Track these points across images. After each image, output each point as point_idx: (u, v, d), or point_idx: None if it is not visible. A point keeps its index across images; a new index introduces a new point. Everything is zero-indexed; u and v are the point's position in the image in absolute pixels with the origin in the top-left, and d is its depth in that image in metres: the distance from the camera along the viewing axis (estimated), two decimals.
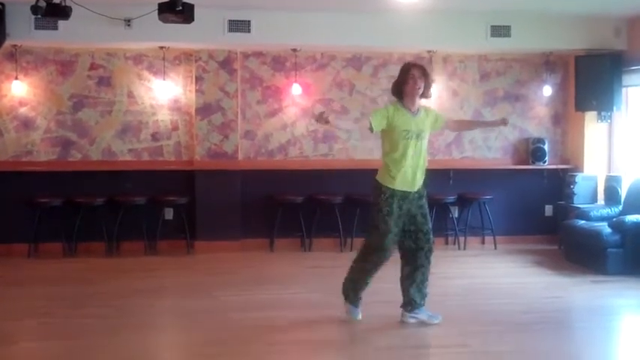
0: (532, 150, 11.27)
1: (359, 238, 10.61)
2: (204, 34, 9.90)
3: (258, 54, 10.92)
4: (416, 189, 6.75)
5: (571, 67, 11.23)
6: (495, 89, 11.44)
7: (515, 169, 11.33)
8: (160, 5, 7.87)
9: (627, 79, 10.51)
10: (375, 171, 10.55)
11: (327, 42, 10.44)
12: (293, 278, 9.05)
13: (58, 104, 10.58)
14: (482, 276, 9.22)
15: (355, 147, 11.15)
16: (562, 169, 11.28)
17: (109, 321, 7.06)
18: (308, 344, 6.46)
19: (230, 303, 7.77)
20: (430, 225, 6.89)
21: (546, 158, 11.26)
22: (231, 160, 10.74)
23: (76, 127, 10.62)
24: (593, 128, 11.10)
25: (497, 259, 10.29)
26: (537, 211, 11.41)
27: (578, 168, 11.16)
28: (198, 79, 10.67)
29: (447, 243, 11.24)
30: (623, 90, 10.62)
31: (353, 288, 7.00)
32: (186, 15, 7.94)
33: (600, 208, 10.15)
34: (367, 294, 8.08)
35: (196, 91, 10.68)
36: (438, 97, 10.87)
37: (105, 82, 10.68)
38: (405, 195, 6.71)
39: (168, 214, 10.68)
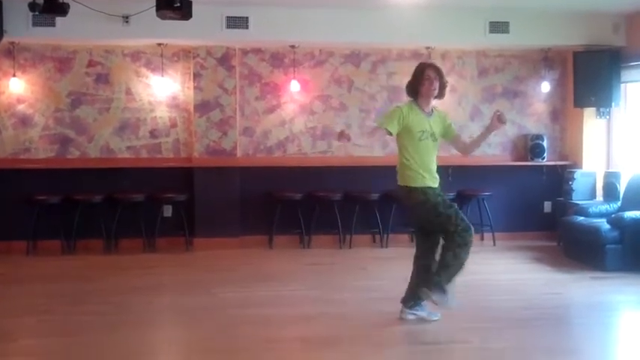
0: (531, 146, 11.27)
1: (358, 235, 10.75)
2: (202, 30, 9.89)
3: (257, 50, 10.91)
4: (437, 185, 6.75)
5: (569, 64, 11.22)
6: (494, 85, 11.43)
7: (514, 166, 11.33)
8: (158, 2, 7.86)
9: (626, 75, 10.52)
10: (374, 168, 10.71)
11: (325, 38, 10.43)
12: (292, 275, 9.04)
13: (56, 101, 10.57)
14: (482, 272, 9.19)
15: (354, 144, 11.12)
16: (561, 166, 11.28)
17: (108, 318, 7.05)
18: (307, 341, 6.45)
19: (229, 300, 7.76)
20: None
21: (545, 155, 11.26)
22: (229, 157, 10.73)
23: (74, 124, 10.61)
24: (591, 124, 11.10)
25: (497, 255, 10.29)
26: (536, 207, 11.41)
27: (577, 164, 11.15)
28: (197, 76, 10.66)
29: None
30: (622, 86, 10.62)
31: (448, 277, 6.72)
32: (184, 11, 7.93)
33: (599, 204, 10.15)
34: (367, 290, 8.12)
35: (194, 87, 10.67)
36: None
37: (103, 79, 10.67)
38: (435, 190, 6.71)
39: (167, 211, 10.67)
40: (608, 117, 10.96)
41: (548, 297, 7.97)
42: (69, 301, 7.63)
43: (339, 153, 11.13)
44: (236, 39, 10.29)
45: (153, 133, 10.80)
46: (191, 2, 8.01)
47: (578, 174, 10.80)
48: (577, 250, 9.74)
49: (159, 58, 10.67)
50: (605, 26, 10.64)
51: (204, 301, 7.70)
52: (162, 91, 10.73)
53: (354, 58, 11.13)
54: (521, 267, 9.57)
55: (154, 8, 7.90)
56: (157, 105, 10.78)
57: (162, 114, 10.81)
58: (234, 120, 10.75)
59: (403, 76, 10.96)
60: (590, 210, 9.93)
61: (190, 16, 8.06)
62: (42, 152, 10.55)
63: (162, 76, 10.69)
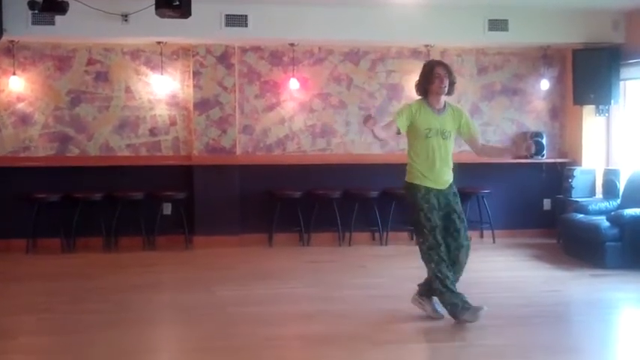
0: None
1: (357, 233, 10.76)
2: (201, 28, 9.89)
3: (256, 48, 10.91)
4: (445, 187, 6.72)
5: (569, 61, 11.22)
6: (493, 83, 11.43)
7: (513, 163, 11.30)
8: (157, 0, 7.85)
9: (625, 72, 10.51)
10: (373, 166, 10.71)
11: (324, 36, 10.43)
12: (291, 273, 9.05)
13: (55, 100, 10.56)
14: (481, 270, 9.19)
15: (353, 141, 11.14)
16: (560, 163, 11.28)
17: (108, 316, 7.05)
18: (306, 339, 6.45)
19: (228, 298, 7.76)
20: (466, 223, 6.87)
21: (544, 152, 11.26)
22: (229, 155, 10.74)
23: (73, 122, 10.61)
24: (591, 122, 11.10)
25: (496, 253, 10.30)
26: (536, 205, 11.41)
27: (577, 162, 11.15)
28: (196, 74, 10.66)
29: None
30: (621, 83, 10.62)
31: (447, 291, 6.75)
32: (183, 10, 7.92)
33: (598, 201, 10.15)
34: (366, 288, 8.12)
35: (194, 86, 10.67)
36: None
37: (102, 77, 10.67)
38: (439, 192, 6.70)
39: (167, 209, 10.67)
40: (607, 114, 10.96)
41: (548, 294, 7.97)
42: (69, 299, 7.64)
43: (338, 151, 11.13)
44: (235, 37, 10.29)
45: (152, 132, 10.79)
46: (190, 0, 7.99)
47: (577, 171, 10.80)
48: (576, 247, 9.74)
49: (158, 57, 10.67)
50: (605, 24, 10.64)
51: (204, 299, 7.70)
52: (161, 89, 10.73)
53: (354, 56, 11.13)
54: (520, 264, 9.58)
55: (153, 6, 7.89)
56: (156, 103, 10.78)
57: (162, 112, 10.81)
58: (234, 118, 10.75)
59: (402, 74, 11.06)
60: (590, 207, 9.93)
61: (189, 14, 8.05)
62: (42, 150, 10.55)
63: (162, 74, 10.69)
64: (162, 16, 8.03)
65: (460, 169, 10.70)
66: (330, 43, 10.88)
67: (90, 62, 10.64)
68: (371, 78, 11.16)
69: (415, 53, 11.12)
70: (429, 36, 10.60)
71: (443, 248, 6.68)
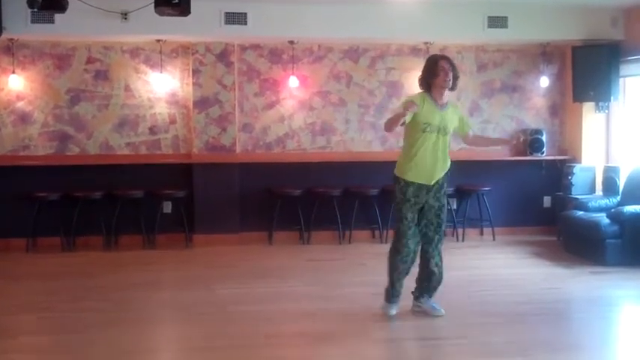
0: (530, 141, 11.26)
1: (357, 231, 10.77)
2: (200, 26, 9.88)
3: (255, 46, 10.90)
4: (432, 183, 6.71)
5: (568, 58, 11.22)
6: (492, 80, 11.43)
7: (513, 161, 11.33)
8: None
9: (624, 69, 10.51)
10: (373, 163, 10.72)
11: (324, 34, 10.42)
12: (291, 271, 9.05)
13: (55, 98, 10.56)
14: (481, 267, 9.23)
15: (353, 139, 11.14)
16: (560, 160, 11.28)
17: (108, 315, 7.06)
18: (307, 337, 6.46)
19: (228, 296, 7.77)
20: (445, 218, 6.91)
21: (544, 149, 11.25)
22: (229, 153, 10.73)
23: (73, 121, 10.60)
24: (590, 119, 11.09)
25: (496, 250, 10.30)
26: (535, 202, 11.41)
27: (576, 159, 11.15)
28: (196, 72, 10.65)
29: (445, 235, 11.17)
30: (621, 80, 10.62)
31: (389, 283, 6.93)
32: (182, 8, 7.92)
33: (598, 198, 10.15)
34: (366, 286, 8.12)
35: (193, 84, 10.66)
36: None
37: (102, 75, 10.66)
38: (420, 187, 6.69)
39: (167, 207, 10.67)
40: (607, 111, 10.96)
41: (548, 292, 7.98)
42: (69, 298, 7.65)
43: (338, 149, 11.13)
44: (235, 35, 10.28)
45: (152, 130, 10.79)
46: None
47: (577, 168, 10.81)
48: (576, 244, 9.74)
49: (158, 55, 10.67)
50: (604, 20, 10.63)
51: (204, 298, 7.71)
52: (161, 87, 10.72)
53: (353, 53, 11.12)
54: (520, 262, 9.58)
55: (153, 5, 7.89)
56: (156, 101, 10.78)
57: (162, 110, 10.80)
58: (234, 116, 10.75)
59: (402, 71, 11.05)
60: (590, 204, 9.93)
61: (189, 12, 8.04)
62: (41, 149, 10.54)
63: (161, 72, 10.68)
64: (161, 14, 8.02)
65: (460, 166, 10.76)
66: (330, 40, 10.88)
67: (89, 60, 10.63)
68: (370, 75, 11.16)
69: (415, 50, 11.11)
70: (429, 33, 10.59)
71: (408, 245, 6.77)
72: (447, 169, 6.80)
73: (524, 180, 11.37)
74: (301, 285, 8.29)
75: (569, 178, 10.75)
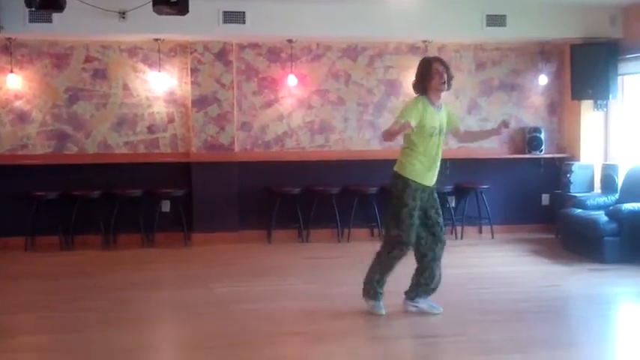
0: (528, 139, 11.27)
1: (356, 229, 10.77)
2: (199, 25, 9.88)
3: (254, 45, 10.90)
4: (433, 183, 6.75)
5: (567, 56, 11.23)
6: (491, 79, 11.43)
7: (511, 159, 11.33)
8: None
9: (623, 67, 10.52)
10: (372, 162, 10.71)
11: (322, 33, 10.43)
12: (291, 269, 9.06)
13: (53, 97, 10.56)
14: (480, 265, 9.23)
15: (351, 138, 11.14)
16: (558, 158, 11.29)
17: (107, 314, 7.06)
18: (306, 335, 6.46)
19: (227, 294, 7.77)
20: (441, 217, 6.89)
21: (543, 147, 11.26)
22: (227, 152, 10.73)
23: (71, 120, 10.60)
24: (589, 117, 11.10)
25: (495, 248, 10.31)
26: (534, 200, 11.42)
27: (575, 157, 11.16)
28: (194, 71, 10.65)
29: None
30: (619, 78, 10.63)
31: (376, 283, 6.88)
32: (180, 6, 7.90)
33: (597, 196, 10.16)
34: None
35: (192, 82, 10.66)
36: None
37: (100, 74, 10.66)
38: (424, 188, 6.71)
39: (165, 206, 10.67)
40: (605, 109, 10.97)
41: (546, 289, 7.99)
42: (67, 298, 7.64)
43: (336, 147, 11.13)
44: (233, 34, 10.28)
45: (150, 129, 10.79)
46: None
47: (575, 166, 10.81)
48: (575, 242, 9.75)
49: (156, 54, 10.67)
50: (602, 18, 10.64)
51: (203, 296, 7.71)
52: (159, 86, 10.72)
53: (351, 52, 11.12)
54: (519, 259, 9.58)
55: (151, 4, 7.87)
56: (154, 100, 10.78)
57: (160, 109, 10.80)
58: (232, 115, 10.74)
59: (400, 70, 11.06)
60: (588, 202, 9.94)
61: (187, 11, 8.02)
62: (39, 148, 10.54)
63: (160, 71, 10.68)
64: (159, 13, 8.00)
65: (458, 164, 10.85)
66: (328, 39, 10.88)
67: (87, 60, 10.63)
68: (369, 74, 11.16)
69: (413, 49, 11.11)
70: (427, 32, 10.59)
71: (410, 249, 6.76)
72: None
73: (522, 178, 11.37)
74: (300, 283, 8.30)
75: (568, 176, 10.76)
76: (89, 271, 8.93)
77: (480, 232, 11.24)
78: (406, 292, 6.97)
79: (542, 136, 11.27)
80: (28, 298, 7.69)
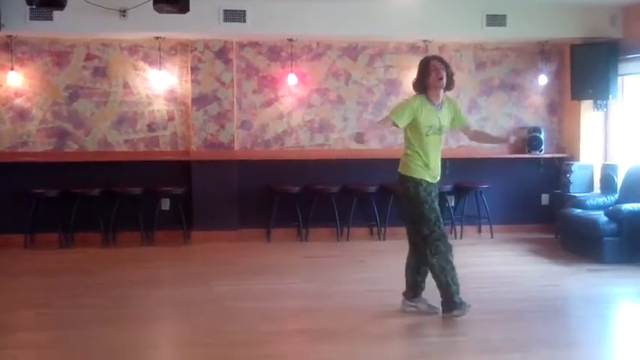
0: (528, 139, 11.27)
1: (355, 228, 10.77)
2: (199, 24, 9.89)
3: (254, 44, 10.90)
4: (435, 180, 6.76)
5: (567, 56, 11.23)
6: (491, 78, 11.43)
7: (511, 158, 11.33)
8: None
9: (623, 67, 10.52)
10: (372, 161, 10.71)
11: (322, 31, 10.43)
12: (289, 268, 9.06)
13: (53, 95, 10.56)
14: (479, 264, 9.22)
15: (351, 137, 11.12)
16: (558, 158, 11.29)
17: (106, 311, 7.06)
18: (305, 334, 6.46)
19: (227, 293, 7.77)
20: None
21: (542, 147, 11.25)
22: (227, 151, 10.74)
23: (71, 117, 10.60)
24: (589, 117, 11.10)
25: (494, 247, 10.32)
26: (534, 200, 11.43)
27: (575, 157, 11.16)
28: (194, 69, 10.65)
29: None
30: (619, 79, 10.63)
31: (449, 290, 6.69)
32: (181, 5, 7.90)
33: (596, 196, 10.16)
34: (365, 283, 8.13)
35: (192, 81, 10.66)
36: None
37: (100, 72, 10.66)
38: (433, 185, 6.75)
39: (165, 204, 10.68)
40: (605, 109, 10.97)
41: (546, 289, 7.99)
42: (67, 295, 7.65)
43: (336, 146, 11.13)
44: (233, 32, 10.29)
45: (150, 127, 10.79)
46: None
47: (575, 166, 10.82)
48: (574, 242, 9.75)
49: (156, 52, 10.67)
50: (602, 18, 10.64)
51: (202, 294, 7.71)
52: (159, 84, 10.72)
53: (352, 51, 11.12)
54: (518, 259, 9.59)
55: (152, 2, 7.87)
56: (154, 98, 10.78)
57: (160, 107, 10.80)
58: (232, 113, 10.75)
59: (400, 69, 11.06)
60: (588, 202, 9.94)
61: (188, 9, 8.03)
62: (40, 146, 10.54)
63: (160, 69, 10.68)
64: (160, 11, 8.01)
65: (458, 164, 10.85)
66: (329, 38, 10.88)
67: (88, 57, 10.63)
68: (369, 73, 11.16)
69: (413, 48, 11.11)
70: (428, 31, 10.59)
71: (447, 239, 6.72)
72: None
73: (522, 178, 11.37)
74: (299, 282, 8.30)
75: (568, 175, 10.76)
76: (88, 268, 8.93)
77: (480, 231, 11.25)
78: (404, 293, 6.96)
79: (542, 136, 11.27)
80: (28, 295, 7.69)
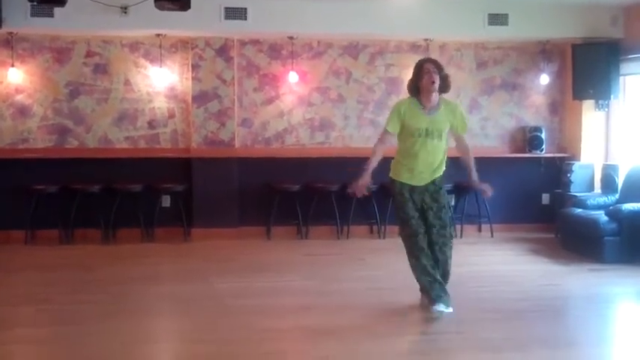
0: (529, 138, 11.27)
1: (355, 226, 10.77)
2: (200, 21, 9.88)
3: (255, 42, 10.90)
4: (423, 184, 6.72)
5: (568, 56, 11.22)
6: (492, 77, 11.43)
7: (512, 158, 11.33)
8: None
9: (624, 67, 10.52)
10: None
11: (323, 30, 10.43)
12: (289, 266, 9.05)
13: (54, 92, 10.56)
14: (479, 264, 9.23)
15: (352, 135, 11.14)
16: (559, 158, 11.28)
17: (106, 307, 7.06)
18: (305, 331, 6.46)
19: (226, 290, 7.77)
20: (447, 219, 6.82)
21: (543, 147, 11.25)
22: (227, 148, 10.74)
23: (72, 114, 10.60)
24: (590, 117, 11.10)
25: (494, 247, 10.32)
26: (534, 199, 11.42)
27: (575, 156, 11.16)
28: (195, 67, 10.65)
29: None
30: (621, 78, 10.62)
31: (424, 287, 6.82)
32: (182, 2, 7.92)
33: (597, 196, 10.16)
34: (364, 281, 8.13)
35: (193, 78, 10.66)
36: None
37: (101, 69, 10.66)
38: (415, 187, 6.72)
39: (165, 201, 10.68)
40: (606, 109, 10.97)
41: (546, 288, 7.98)
42: (67, 291, 7.65)
43: (336, 144, 11.13)
44: (234, 30, 10.28)
45: (151, 124, 10.79)
46: None
47: (576, 166, 10.82)
48: (575, 242, 9.75)
49: (157, 49, 10.66)
50: (604, 18, 10.64)
51: (202, 291, 7.71)
52: (160, 81, 10.72)
53: (353, 49, 11.12)
54: (518, 259, 9.59)
55: None
56: (155, 96, 10.78)
57: (161, 105, 10.80)
58: (233, 111, 10.75)
59: (401, 68, 11.05)
60: (589, 202, 9.94)
61: (189, 7, 8.04)
62: (40, 142, 10.54)
63: (161, 66, 10.68)
64: (161, 8, 8.02)
65: (458, 163, 10.79)
66: (330, 36, 10.88)
67: (89, 54, 10.63)
68: (370, 72, 11.15)
69: (414, 47, 11.11)
70: (429, 30, 10.59)
71: (421, 237, 6.70)
72: (440, 174, 6.79)
73: (523, 177, 11.37)
74: (299, 279, 8.30)
75: (568, 175, 10.76)
76: (88, 264, 8.93)
77: (480, 230, 11.25)
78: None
79: (543, 135, 11.27)
80: (28, 290, 7.69)
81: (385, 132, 6.83)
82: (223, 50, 10.68)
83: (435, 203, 6.76)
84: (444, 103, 6.80)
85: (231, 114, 10.73)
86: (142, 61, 10.73)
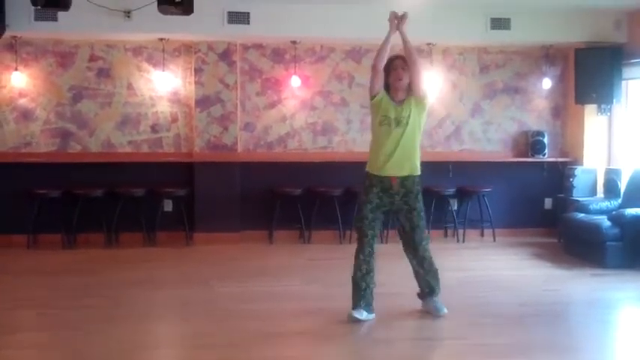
0: (531, 143, 11.26)
1: None
2: (203, 25, 9.90)
3: (258, 46, 10.91)
4: (385, 174, 6.65)
5: (571, 60, 11.21)
6: (495, 82, 11.43)
7: (514, 162, 11.33)
8: None
9: (627, 72, 10.50)
10: None
11: (326, 34, 10.43)
12: (291, 270, 9.06)
13: (57, 96, 10.58)
14: (481, 268, 9.22)
15: (354, 139, 11.14)
16: (561, 162, 11.27)
17: (108, 311, 7.07)
18: (307, 336, 6.46)
19: (228, 294, 7.78)
20: (418, 223, 6.78)
21: (546, 151, 11.25)
22: (230, 152, 10.74)
23: (75, 118, 10.62)
24: (592, 121, 11.09)
25: (497, 251, 10.30)
26: (537, 204, 11.40)
27: (578, 161, 11.15)
28: (198, 71, 10.66)
29: (446, 235, 11.24)
30: (623, 83, 10.61)
31: (353, 288, 6.89)
32: (185, 6, 7.91)
33: (600, 201, 10.15)
34: None
35: (196, 82, 10.67)
36: (437, 89, 10.94)
37: (104, 73, 10.68)
38: (384, 189, 6.68)
39: (168, 205, 10.68)
40: (609, 114, 10.96)
41: (548, 293, 7.97)
42: (69, 295, 7.66)
43: (339, 148, 11.13)
44: (237, 34, 10.29)
45: (154, 128, 10.80)
46: None
47: (578, 171, 10.81)
48: (577, 246, 9.74)
49: (160, 53, 10.68)
50: (607, 23, 10.63)
51: (204, 296, 7.71)
52: (163, 86, 10.73)
53: (355, 54, 11.12)
54: (521, 263, 9.57)
55: (156, 3, 7.89)
56: (158, 100, 10.79)
57: (164, 109, 10.81)
58: (235, 115, 10.75)
59: None
60: (591, 207, 9.92)
61: (192, 11, 8.04)
62: (43, 146, 10.56)
63: (164, 71, 10.69)
64: (164, 12, 8.02)
65: (461, 167, 10.87)
66: (332, 41, 10.88)
67: (92, 58, 10.65)
68: None
69: (417, 52, 11.02)
70: (431, 34, 10.56)
71: (368, 242, 6.82)
72: (411, 171, 6.70)
73: (525, 181, 11.36)
74: (301, 284, 8.30)
75: (571, 180, 10.75)
76: (90, 269, 8.94)
77: (482, 235, 11.23)
78: (418, 294, 7.03)
79: (546, 139, 11.27)
80: (29, 295, 7.69)
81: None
82: (226, 54, 10.69)
83: (406, 205, 6.72)
84: (413, 99, 6.75)
85: (233, 118, 10.73)
86: (145, 65, 10.75)
